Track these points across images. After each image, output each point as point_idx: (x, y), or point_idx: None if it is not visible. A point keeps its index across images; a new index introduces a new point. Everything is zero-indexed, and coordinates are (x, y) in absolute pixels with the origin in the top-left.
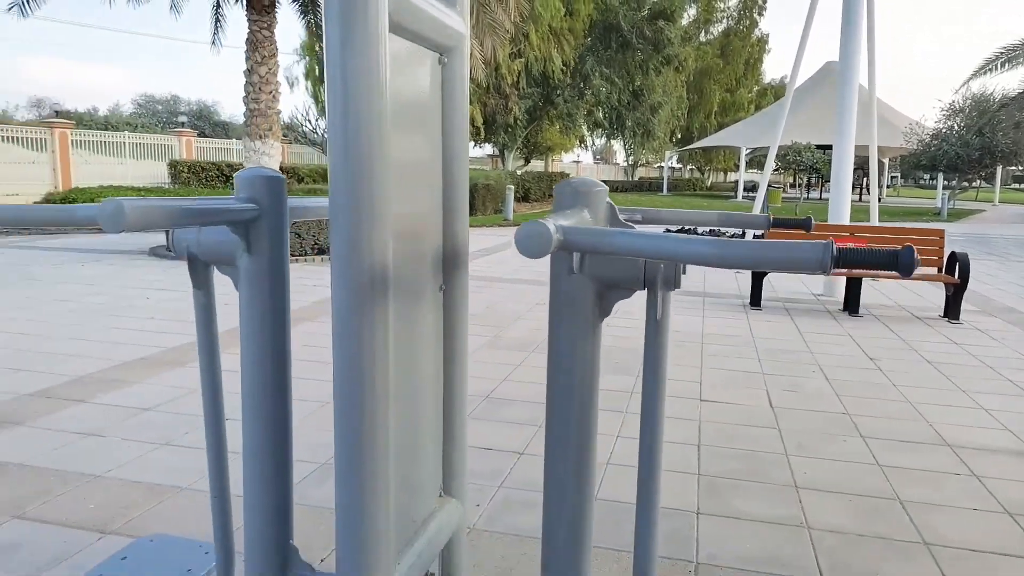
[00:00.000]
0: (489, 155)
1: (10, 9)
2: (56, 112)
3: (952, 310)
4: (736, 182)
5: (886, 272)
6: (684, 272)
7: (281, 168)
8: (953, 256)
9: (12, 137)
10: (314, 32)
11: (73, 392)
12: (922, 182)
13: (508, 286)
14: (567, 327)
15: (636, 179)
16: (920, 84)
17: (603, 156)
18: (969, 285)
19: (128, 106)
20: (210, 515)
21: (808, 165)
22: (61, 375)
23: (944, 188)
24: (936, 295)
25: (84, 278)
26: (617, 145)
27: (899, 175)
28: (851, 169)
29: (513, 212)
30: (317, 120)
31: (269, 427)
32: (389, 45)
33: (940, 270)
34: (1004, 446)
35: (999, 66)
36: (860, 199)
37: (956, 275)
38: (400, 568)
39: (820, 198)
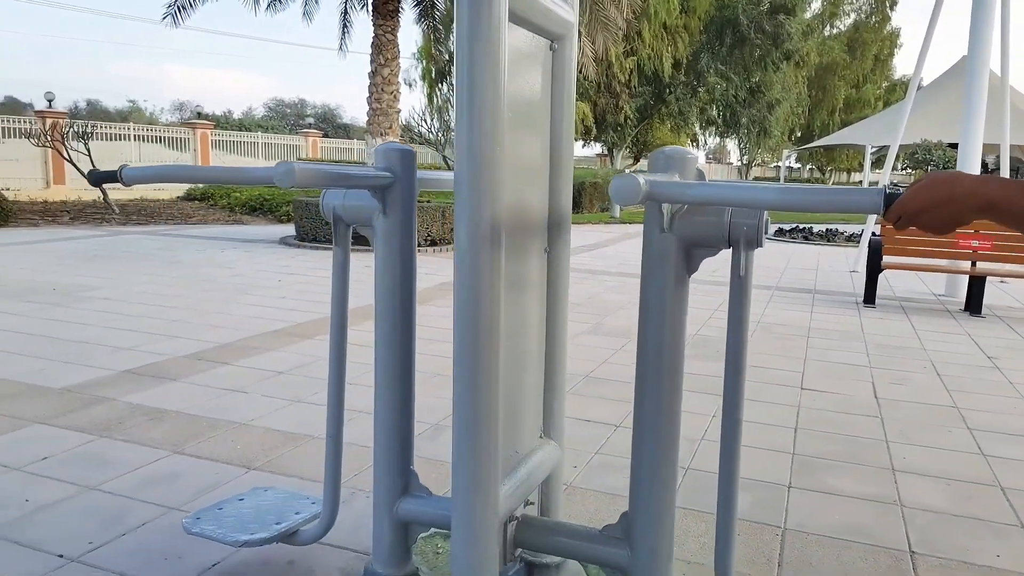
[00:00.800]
0: (598, 154)
1: (164, 19)
2: (198, 114)
3: None
4: (860, 182)
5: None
6: (767, 232)
7: None
8: None
9: (159, 137)
10: (430, 37)
11: (218, 356)
12: None
13: (610, 278)
14: (657, 280)
15: (751, 179)
16: None
17: (716, 155)
18: None
19: (260, 109)
20: (297, 499)
21: (940, 164)
22: (208, 342)
23: None
24: None
25: (223, 262)
26: (731, 144)
27: None
28: (979, 166)
29: (621, 211)
30: (433, 120)
31: (397, 361)
32: (508, 34)
33: None
34: None
35: None
36: None
37: None
38: (504, 490)
39: None
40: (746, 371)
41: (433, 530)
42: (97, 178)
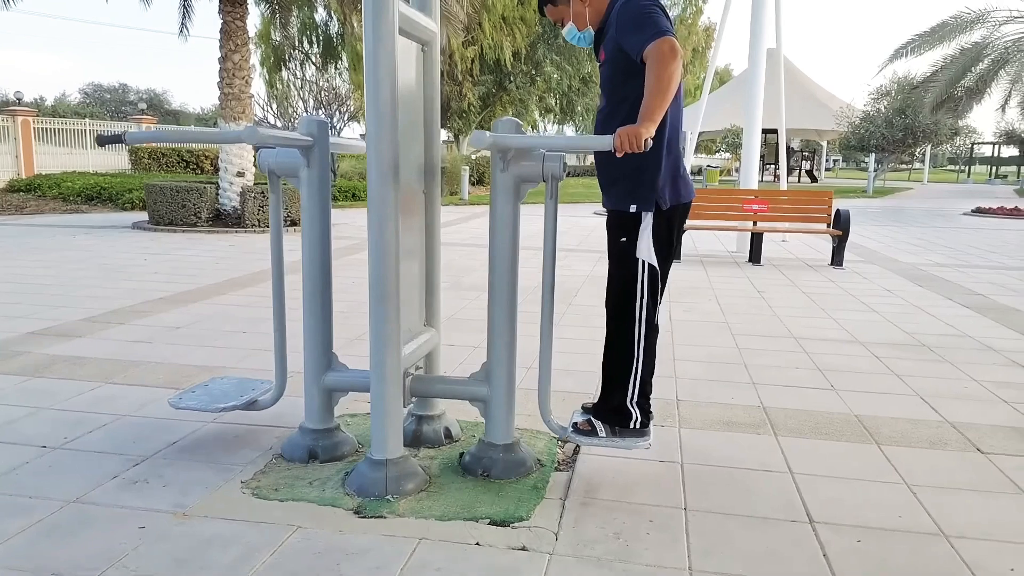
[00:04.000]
0: (445, 141)
1: None
2: (18, 100)
3: (837, 258)
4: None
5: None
6: (566, 170)
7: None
8: (838, 213)
9: None
10: (269, 21)
11: (113, 319)
12: (862, 165)
13: (463, 249)
14: (501, 204)
15: (588, 163)
16: (861, 68)
17: None
18: (865, 244)
19: (75, 95)
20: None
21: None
22: (98, 309)
23: (875, 169)
24: (829, 249)
25: (81, 247)
26: (569, 130)
27: (840, 158)
28: (758, 143)
29: (468, 193)
30: (276, 107)
31: (319, 272)
32: (399, 42)
33: (829, 225)
34: (837, 337)
35: (909, 52)
36: (799, 180)
37: (839, 229)
38: (404, 351)
39: (762, 180)
40: (556, 269)
41: (342, 413)
42: (104, 140)
